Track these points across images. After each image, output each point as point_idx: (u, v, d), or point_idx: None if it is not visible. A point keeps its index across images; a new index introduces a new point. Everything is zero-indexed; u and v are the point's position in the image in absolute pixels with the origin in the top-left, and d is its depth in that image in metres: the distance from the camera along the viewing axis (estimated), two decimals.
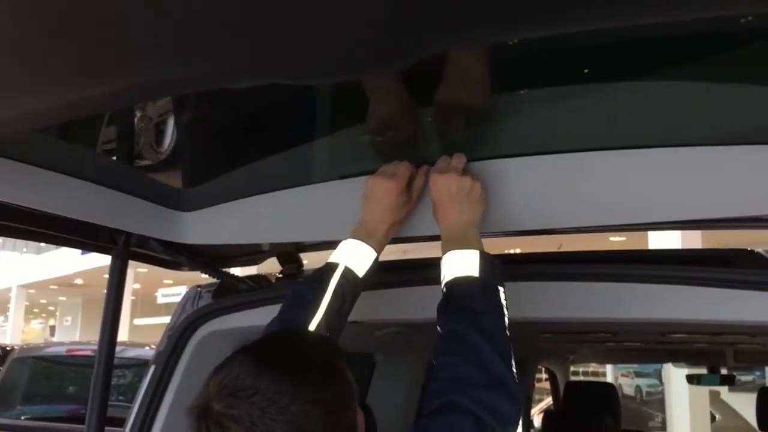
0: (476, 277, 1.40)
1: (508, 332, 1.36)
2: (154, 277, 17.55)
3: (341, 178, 1.81)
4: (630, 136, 1.51)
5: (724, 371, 5.17)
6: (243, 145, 1.97)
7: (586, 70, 1.55)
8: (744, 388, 12.09)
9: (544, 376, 5.77)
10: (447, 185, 1.52)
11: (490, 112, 1.63)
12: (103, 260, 2.09)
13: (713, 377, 5.22)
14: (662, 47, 1.39)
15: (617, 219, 1.56)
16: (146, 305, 21.67)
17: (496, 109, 1.63)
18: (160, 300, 18.95)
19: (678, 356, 5.06)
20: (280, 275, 2.28)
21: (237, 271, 2.43)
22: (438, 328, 1.39)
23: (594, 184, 1.51)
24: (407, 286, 1.92)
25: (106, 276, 2.09)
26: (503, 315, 1.38)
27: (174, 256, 2.11)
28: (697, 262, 1.68)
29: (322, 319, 1.48)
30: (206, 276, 2.27)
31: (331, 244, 2.19)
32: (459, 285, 1.41)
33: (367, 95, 1.66)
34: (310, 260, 2.30)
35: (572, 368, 6.12)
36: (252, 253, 2.35)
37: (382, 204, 1.59)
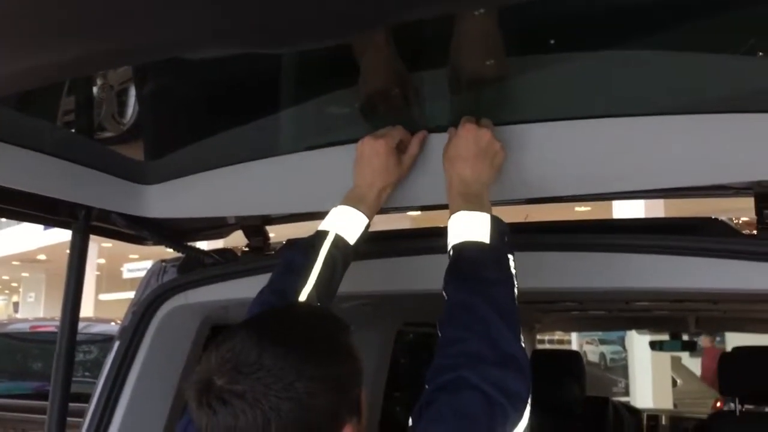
0: (487, 244, 1.36)
1: (517, 303, 1.33)
2: (119, 252, 17.36)
3: (307, 149, 1.78)
4: (635, 103, 1.50)
5: (685, 337, 5.29)
6: (207, 116, 1.93)
7: (589, 36, 1.51)
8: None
9: None
10: (478, 139, 1.47)
11: (501, 76, 1.59)
12: (67, 235, 2.04)
13: (675, 343, 5.34)
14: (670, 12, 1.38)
15: (619, 186, 1.55)
16: (112, 280, 21.42)
17: (508, 74, 1.60)
18: (126, 275, 18.74)
19: (641, 323, 5.16)
20: (246, 249, 2.25)
21: (204, 245, 2.40)
22: (444, 294, 1.35)
23: (601, 152, 1.50)
24: (378, 258, 1.90)
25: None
26: (513, 286, 1.34)
27: (137, 230, 2.07)
28: (662, 231, 1.70)
29: (312, 288, 1.44)
30: (172, 250, 2.24)
31: (298, 217, 2.18)
32: (469, 250, 1.36)
33: (341, 63, 1.62)
34: (277, 233, 2.27)
35: (538, 336, 6.20)
36: (217, 227, 2.32)
37: (371, 165, 1.55)
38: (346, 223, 1.53)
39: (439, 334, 1.30)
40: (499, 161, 1.49)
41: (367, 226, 1.55)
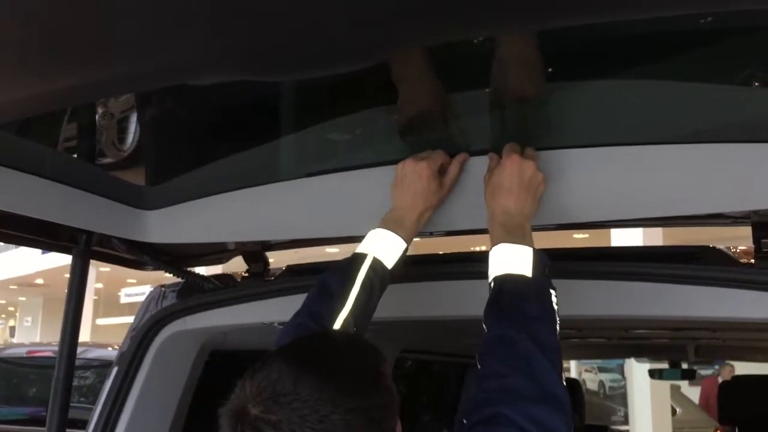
0: (530, 278, 1.34)
1: (558, 339, 1.30)
2: (117, 277, 17.30)
3: (308, 175, 1.79)
4: (639, 132, 1.51)
5: (685, 366, 5.25)
6: (208, 142, 1.95)
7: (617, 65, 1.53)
8: None
9: None
10: (522, 171, 1.45)
11: (538, 101, 1.58)
12: (65, 259, 2.04)
13: (674, 372, 5.30)
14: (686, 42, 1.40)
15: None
16: (109, 305, 21.34)
17: (549, 99, 1.59)
18: (124, 300, 18.66)
19: (640, 351, 5.13)
20: (246, 274, 2.25)
21: (202, 270, 2.40)
22: (484, 326, 1.33)
23: (597, 181, 1.51)
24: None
25: (68, 276, 2.04)
26: (555, 321, 1.31)
27: (137, 255, 2.07)
28: (660, 259, 1.70)
29: (349, 313, 1.43)
30: (171, 275, 2.24)
31: (298, 243, 2.18)
32: (511, 284, 1.34)
33: (344, 90, 1.63)
34: (277, 259, 2.28)
35: None
36: (217, 252, 2.32)
37: (413, 189, 1.53)
38: (384, 247, 1.50)
39: (478, 367, 1.28)
40: (540, 192, 1.48)
41: (405, 251, 1.53)
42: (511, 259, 1.36)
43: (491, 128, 1.67)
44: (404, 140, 1.69)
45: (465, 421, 1.20)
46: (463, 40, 1.39)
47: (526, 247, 1.38)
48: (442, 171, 1.57)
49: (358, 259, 1.49)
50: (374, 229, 1.53)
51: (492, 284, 1.37)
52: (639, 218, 1.63)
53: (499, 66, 1.49)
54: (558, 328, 1.31)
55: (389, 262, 1.50)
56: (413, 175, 1.53)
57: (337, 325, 1.42)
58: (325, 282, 1.51)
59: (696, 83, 1.48)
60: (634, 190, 1.50)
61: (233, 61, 1.07)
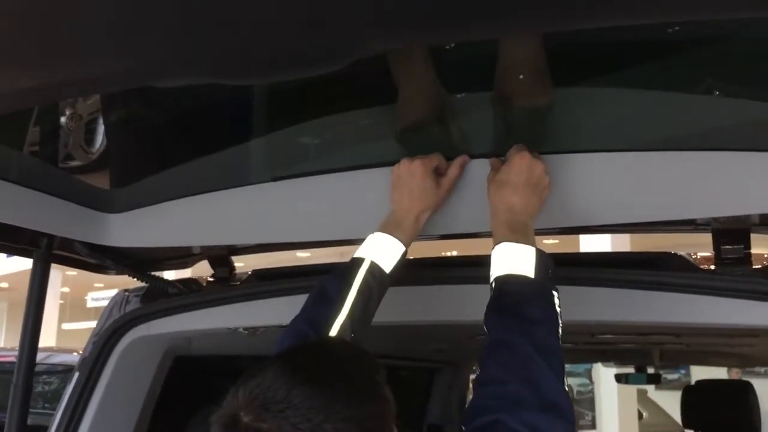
0: (531, 279, 1.32)
1: (560, 342, 1.28)
2: (84, 281, 17.06)
3: (274, 180, 1.78)
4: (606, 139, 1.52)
5: (650, 370, 5.31)
6: (173, 145, 1.92)
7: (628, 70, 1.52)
8: (670, 386, 12.47)
9: None
10: (531, 169, 1.44)
11: (543, 105, 1.57)
12: (31, 263, 2.00)
13: (640, 376, 5.36)
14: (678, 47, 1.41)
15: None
16: (76, 309, 21.02)
17: (551, 103, 1.58)
18: (90, 304, 18.39)
19: (607, 356, 5.17)
20: (212, 279, 2.23)
21: (170, 275, 2.37)
22: (485, 328, 1.31)
23: (570, 186, 1.52)
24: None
25: None
26: (558, 325, 1.29)
27: (100, 259, 2.04)
28: (623, 265, 1.72)
29: (346, 318, 1.41)
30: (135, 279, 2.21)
31: (265, 247, 2.17)
32: (512, 285, 1.32)
33: (313, 92, 1.62)
34: (246, 263, 2.26)
35: None
36: (182, 256, 2.29)
37: (408, 187, 1.52)
38: (382, 251, 1.49)
39: (478, 371, 1.26)
40: (545, 193, 1.47)
41: (404, 254, 1.51)
42: (514, 259, 1.35)
43: (494, 132, 1.67)
44: (404, 143, 1.67)
45: (463, 428, 1.19)
46: (467, 43, 1.39)
47: (529, 246, 1.36)
48: (440, 173, 1.56)
49: (355, 263, 1.48)
50: (373, 233, 1.52)
51: (493, 284, 1.35)
52: (607, 224, 1.64)
53: (505, 71, 1.49)
54: (560, 331, 1.29)
55: (387, 266, 1.49)
56: (407, 174, 1.53)
57: (334, 330, 1.40)
58: (322, 287, 1.49)
59: (662, 92, 1.50)
60: (601, 196, 1.51)
61: (205, 63, 1.06)
